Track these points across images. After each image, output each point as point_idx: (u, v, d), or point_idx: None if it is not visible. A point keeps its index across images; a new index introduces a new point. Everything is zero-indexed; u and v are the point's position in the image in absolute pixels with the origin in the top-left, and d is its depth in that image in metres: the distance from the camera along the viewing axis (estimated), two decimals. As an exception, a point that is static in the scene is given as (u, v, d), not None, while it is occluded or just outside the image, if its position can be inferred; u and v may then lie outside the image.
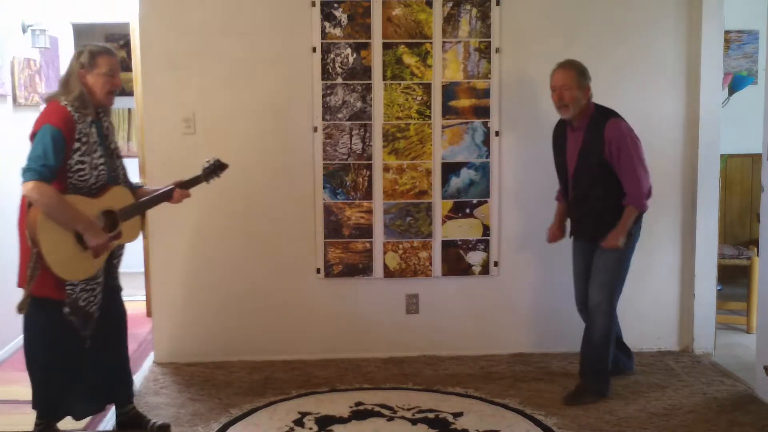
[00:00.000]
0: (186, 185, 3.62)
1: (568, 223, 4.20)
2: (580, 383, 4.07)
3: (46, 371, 3.39)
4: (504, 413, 3.87)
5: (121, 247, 3.54)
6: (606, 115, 3.90)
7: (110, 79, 3.36)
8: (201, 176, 3.65)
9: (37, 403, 3.45)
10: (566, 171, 4.04)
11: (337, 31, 4.49)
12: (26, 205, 3.30)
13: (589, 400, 3.96)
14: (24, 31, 5.36)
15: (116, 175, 3.46)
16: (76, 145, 3.26)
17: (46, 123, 3.23)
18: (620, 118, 3.90)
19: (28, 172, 3.21)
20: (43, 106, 5.60)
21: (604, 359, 4.02)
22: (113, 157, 3.46)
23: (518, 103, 4.62)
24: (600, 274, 3.96)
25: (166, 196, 3.57)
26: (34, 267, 3.25)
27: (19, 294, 5.21)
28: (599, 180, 3.88)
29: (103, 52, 3.37)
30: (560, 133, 4.08)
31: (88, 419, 3.73)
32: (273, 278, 4.64)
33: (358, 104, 4.54)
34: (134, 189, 3.59)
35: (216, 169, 3.69)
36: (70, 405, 3.48)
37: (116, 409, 3.70)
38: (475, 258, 4.69)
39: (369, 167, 4.58)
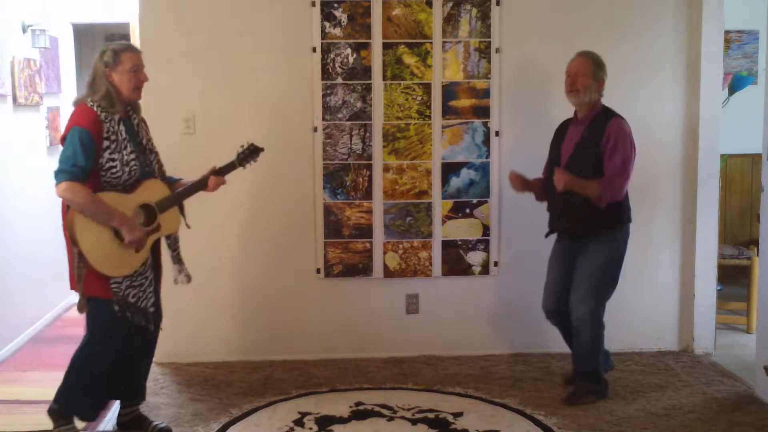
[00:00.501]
0: (221, 172, 3.63)
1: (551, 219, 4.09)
2: (578, 384, 4.06)
3: (98, 369, 3.42)
4: (504, 413, 3.87)
5: (169, 240, 3.59)
6: (613, 114, 3.91)
7: (135, 75, 3.40)
8: (235, 162, 3.65)
9: (74, 404, 3.47)
10: (558, 163, 3.96)
11: (337, 31, 4.49)
12: (66, 207, 3.33)
13: (588, 400, 3.96)
14: (24, 31, 5.36)
15: (151, 170, 3.49)
16: (105, 143, 3.29)
17: (75, 125, 3.28)
18: (624, 120, 3.90)
19: (60, 174, 3.25)
20: (43, 107, 5.64)
21: (595, 363, 3.99)
22: (146, 152, 3.49)
23: (518, 103, 4.62)
24: (583, 282, 3.89)
25: (202, 185, 3.59)
26: (78, 266, 3.31)
27: (20, 296, 5.22)
28: (587, 175, 3.81)
29: (126, 49, 3.41)
30: (562, 130, 4.08)
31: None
32: (273, 278, 4.64)
33: (358, 104, 4.54)
34: (172, 182, 3.62)
35: (252, 153, 3.68)
36: (100, 405, 3.56)
37: (121, 408, 3.70)
38: (475, 258, 4.69)
39: (369, 167, 4.58)
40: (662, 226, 4.74)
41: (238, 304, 4.64)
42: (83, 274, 3.32)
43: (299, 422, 3.75)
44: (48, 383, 4.31)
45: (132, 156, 3.37)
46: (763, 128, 4.06)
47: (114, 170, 3.31)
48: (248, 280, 4.63)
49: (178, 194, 3.54)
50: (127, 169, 3.34)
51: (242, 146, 3.69)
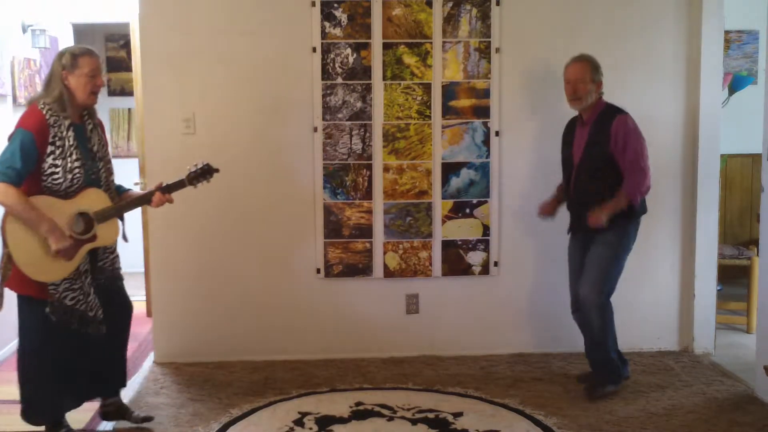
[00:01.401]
0: (168, 189, 3.56)
1: (566, 217, 4.19)
2: (594, 378, 4.12)
3: (38, 372, 3.38)
4: (504, 413, 3.87)
5: (106, 249, 3.52)
6: (616, 111, 3.95)
7: (92, 80, 3.37)
8: (184, 180, 3.57)
9: (30, 409, 3.44)
10: (571, 165, 4.05)
11: (337, 31, 4.49)
12: None
13: (609, 391, 4.03)
14: (24, 31, 5.36)
15: (97, 178, 3.43)
16: (49, 148, 3.26)
17: (20, 127, 3.26)
18: (628, 115, 3.94)
19: None
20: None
21: (606, 351, 4.05)
22: (94, 159, 3.44)
23: (518, 103, 4.62)
24: (591, 269, 3.99)
25: (147, 200, 3.53)
26: (5, 266, 3.29)
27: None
28: (601, 174, 3.91)
29: (85, 53, 3.37)
30: (570, 130, 4.13)
31: (88, 419, 3.73)
32: (273, 278, 4.64)
33: (358, 104, 4.54)
34: (119, 192, 3.58)
35: (204, 173, 3.59)
36: (62, 405, 3.50)
37: (102, 399, 3.71)
38: (475, 258, 4.69)
39: (369, 167, 4.58)
40: (662, 226, 4.74)
41: (238, 304, 4.64)
42: (8, 274, 3.29)
43: (299, 422, 3.75)
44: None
45: (77, 164, 3.31)
46: (763, 128, 4.06)
47: (56, 176, 3.27)
48: (248, 280, 4.63)
49: (120, 206, 3.48)
50: (69, 176, 3.29)
51: (195, 164, 3.59)
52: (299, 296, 4.66)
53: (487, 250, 4.68)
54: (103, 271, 3.52)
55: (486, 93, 4.58)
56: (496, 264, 4.69)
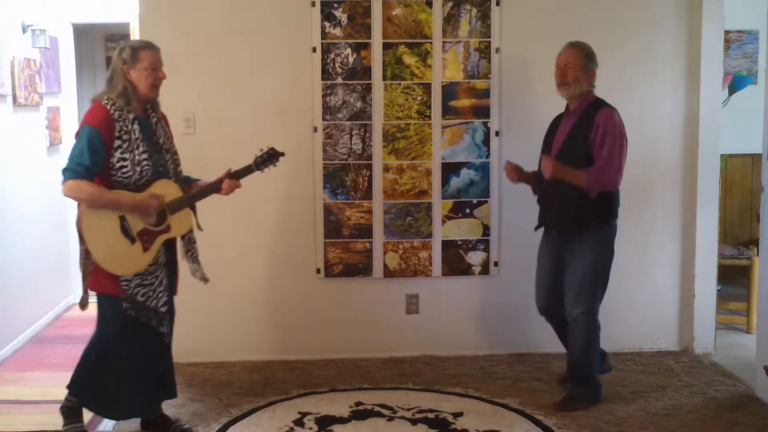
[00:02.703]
0: (236, 175, 3.59)
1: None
2: (570, 390, 4.00)
3: (110, 368, 3.41)
4: (504, 413, 3.87)
5: (190, 240, 3.58)
6: (604, 104, 3.82)
7: (153, 73, 3.39)
8: (252, 165, 3.60)
9: (88, 401, 3.48)
10: (549, 155, 3.89)
11: (337, 31, 4.49)
12: (79, 204, 3.33)
13: (581, 407, 3.88)
14: (24, 31, 5.36)
15: (165, 170, 3.45)
16: (116, 143, 3.28)
17: (86, 123, 3.28)
18: (615, 110, 3.80)
19: (66, 172, 3.25)
20: (43, 107, 5.64)
21: (589, 366, 3.93)
22: (161, 151, 3.46)
23: (518, 103, 4.62)
24: (574, 283, 3.83)
25: (216, 188, 3.55)
26: (84, 263, 3.32)
27: (20, 296, 5.21)
28: (580, 167, 3.73)
29: (145, 47, 3.40)
30: (555, 123, 4.01)
31: (88, 419, 3.73)
32: (273, 278, 4.65)
33: (358, 104, 4.54)
34: (188, 182, 3.60)
35: (270, 157, 3.62)
36: (128, 405, 3.51)
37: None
38: (475, 258, 4.69)
39: (369, 167, 4.58)
40: (662, 226, 4.74)
41: (239, 304, 4.64)
42: (89, 272, 3.32)
43: (299, 422, 3.75)
44: (48, 383, 4.32)
45: (144, 156, 3.34)
46: (763, 128, 4.06)
47: (125, 170, 3.29)
48: (248, 280, 4.63)
49: (191, 196, 3.51)
50: (138, 168, 3.32)
51: (261, 150, 3.61)
52: (299, 296, 4.66)
53: (487, 250, 4.68)
54: (196, 261, 3.60)
55: (486, 93, 4.58)
56: (496, 264, 4.69)
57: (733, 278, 5.90)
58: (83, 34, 6.87)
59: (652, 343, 4.80)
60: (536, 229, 4.07)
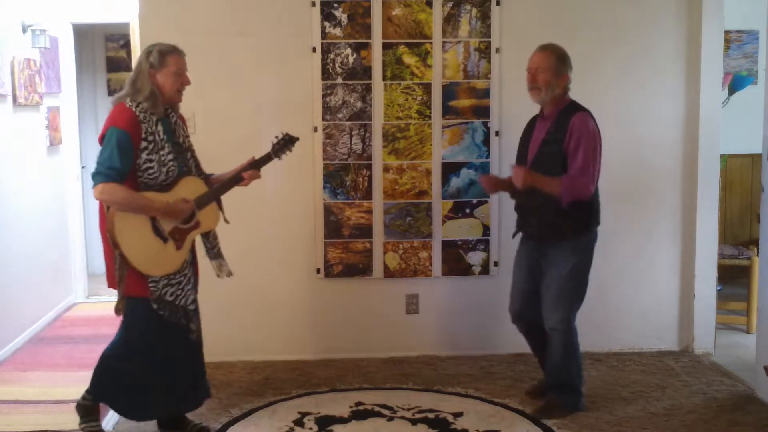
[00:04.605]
0: (256, 165, 3.63)
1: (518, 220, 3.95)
2: (549, 397, 3.90)
3: (143, 370, 3.41)
4: (504, 413, 3.87)
5: (208, 236, 3.60)
6: (578, 108, 3.70)
7: (179, 78, 3.41)
8: (270, 153, 3.65)
9: (113, 402, 3.49)
10: (525, 161, 3.80)
11: (337, 31, 4.49)
12: (105, 209, 3.32)
13: (560, 414, 3.79)
14: (24, 31, 5.36)
15: (188, 169, 3.49)
16: (143, 144, 3.29)
17: (113, 126, 3.28)
18: (590, 114, 3.70)
19: (97, 176, 3.25)
20: (43, 107, 5.64)
21: (570, 374, 3.83)
22: (183, 151, 3.48)
23: (518, 103, 4.61)
24: (552, 291, 3.74)
25: (239, 179, 3.59)
26: (120, 268, 3.31)
27: (20, 296, 5.21)
28: (553, 174, 3.64)
29: (173, 52, 3.41)
30: (531, 124, 3.91)
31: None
32: (273, 278, 4.65)
33: (358, 104, 4.54)
34: (208, 177, 3.62)
35: (287, 143, 3.66)
36: (160, 404, 3.51)
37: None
38: (475, 258, 4.69)
39: (369, 167, 4.58)
40: (662, 226, 4.74)
41: (238, 304, 4.64)
42: (125, 275, 3.32)
43: (299, 422, 3.75)
44: (48, 383, 4.32)
45: (170, 156, 3.36)
46: (763, 128, 4.06)
47: (151, 171, 3.31)
48: (248, 280, 4.62)
49: (216, 190, 3.55)
50: (164, 169, 3.34)
51: (276, 137, 3.67)
52: (299, 296, 4.66)
53: (487, 250, 4.68)
54: (218, 256, 3.65)
55: (486, 93, 4.58)
56: (496, 264, 4.69)
57: (733, 278, 5.90)
58: (83, 34, 6.87)
59: (652, 343, 4.80)
60: (514, 236, 3.98)
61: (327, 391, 4.18)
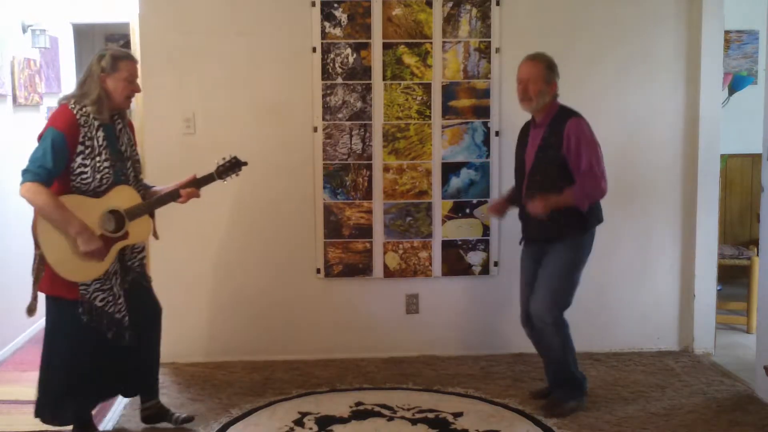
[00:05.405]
0: (197, 183, 3.57)
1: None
2: (553, 395, 3.91)
3: (64, 372, 3.37)
4: (504, 413, 3.87)
5: (134, 248, 3.50)
6: (570, 114, 3.74)
7: (130, 85, 3.39)
8: (213, 174, 3.60)
9: (44, 405, 3.42)
10: (523, 171, 3.86)
11: (337, 31, 4.49)
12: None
13: (570, 407, 3.82)
14: (24, 31, 5.36)
15: (126, 178, 3.43)
16: (79, 148, 3.26)
17: (51, 126, 3.26)
18: (582, 118, 3.74)
19: (26, 174, 3.24)
20: (43, 107, 5.64)
21: (568, 369, 3.84)
22: (123, 159, 3.43)
23: (518, 103, 4.60)
24: (543, 285, 3.77)
25: (175, 195, 3.53)
26: (38, 268, 3.29)
27: (20, 296, 5.20)
28: (554, 180, 3.70)
29: (125, 58, 3.39)
30: (525, 132, 3.93)
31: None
32: (273, 278, 4.64)
33: (358, 104, 4.54)
34: (147, 189, 3.58)
35: (233, 166, 3.61)
36: (87, 404, 3.50)
37: (141, 403, 3.71)
38: (475, 258, 4.69)
39: (369, 167, 4.58)
40: (662, 226, 4.74)
41: (238, 304, 4.64)
42: (41, 276, 3.29)
43: (299, 422, 3.75)
44: (48, 383, 4.31)
45: (106, 164, 3.32)
46: (763, 128, 4.06)
47: (84, 176, 3.28)
48: (248, 280, 4.63)
49: (150, 203, 3.49)
50: (98, 176, 3.30)
51: (224, 158, 3.61)
52: (299, 296, 4.66)
53: (487, 250, 4.68)
54: (131, 270, 3.50)
55: (486, 93, 4.58)
56: (496, 264, 4.69)
57: (733, 278, 5.90)
58: (83, 34, 6.87)
59: (652, 343, 4.80)
60: (521, 242, 4.00)
61: (327, 391, 4.18)
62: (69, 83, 6.26)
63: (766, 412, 3.88)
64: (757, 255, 4.72)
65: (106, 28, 7.15)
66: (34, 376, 4.48)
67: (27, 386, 4.31)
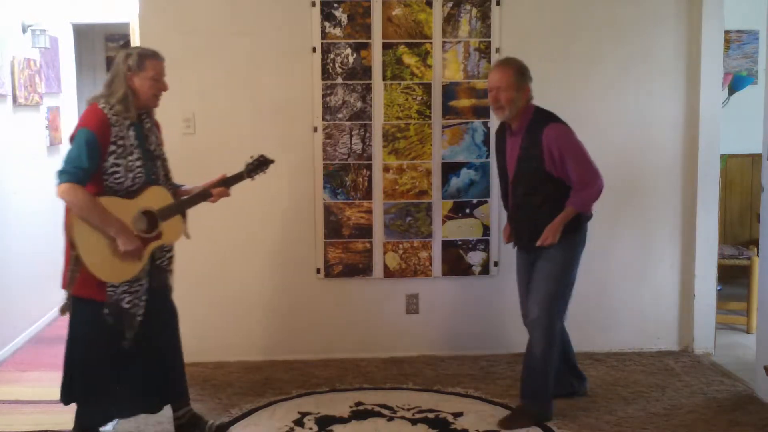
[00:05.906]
0: (227, 183, 3.58)
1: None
2: (519, 405, 3.84)
3: (87, 372, 3.36)
4: (504, 413, 3.86)
5: (164, 248, 3.49)
6: (545, 120, 3.62)
7: (156, 83, 3.38)
8: (243, 173, 3.60)
9: (78, 404, 3.42)
10: (507, 178, 3.81)
11: (337, 31, 4.49)
12: (68, 208, 3.28)
13: (524, 424, 3.68)
14: (24, 31, 5.36)
15: (156, 177, 3.42)
16: (111, 147, 3.25)
17: (83, 126, 3.25)
18: (559, 122, 3.63)
19: (63, 175, 3.21)
20: (43, 107, 5.64)
21: (542, 382, 3.72)
22: (153, 158, 3.43)
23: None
24: (539, 284, 3.70)
25: (206, 195, 3.54)
26: (73, 269, 3.27)
27: (20, 296, 5.21)
28: (537, 188, 3.64)
29: (152, 56, 3.38)
30: (501, 137, 3.86)
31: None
32: (273, 278, 4.65)
33: (358, 104, 4.54)
34: (176, 188, 3.57)
35: (261, 164, 3.62)
36: (110, 407, 3.47)
37: (173, 412, 3.65)
38: (475, 258, 4.69)
39: (369, 167, 4.58)
40: (662, 226, 4.74)
41: (238, 304, 4.64)
42: (76, 277, 3.28)
43: (299, 422, 3.76)
44: (48, 383, 4.32)
45: (138, 163, 3.31)
46: (763, 128, 4.06)
47: (117, 175, 3.27)
48: (248, 280, 4.63)
49: (182, 203, 3.48)
50: (130, 175, 3.29)
51: (252, 157, 3.62)
52: (299, 296, 4.66)
53: (487, 250, 4.68)
54: (161, 270, 3.49)
55: (486, 93, 4.56)
56: (496, 264, 4.69)
57: (733, 278, 5.90)
58: (83, 34, 6.87)
59: (652, 343, 4.80)
60: (514, 246, 3.94)
61: (327, 391, 4.18)
62: (69, 83, 6.27)
63: (766, 412, 3.88)
64: (757, 255, 4.72)
65: (106, 28, 7.16)
66: (34, 376, 4.51)
67: (27, 386, 4.32)
